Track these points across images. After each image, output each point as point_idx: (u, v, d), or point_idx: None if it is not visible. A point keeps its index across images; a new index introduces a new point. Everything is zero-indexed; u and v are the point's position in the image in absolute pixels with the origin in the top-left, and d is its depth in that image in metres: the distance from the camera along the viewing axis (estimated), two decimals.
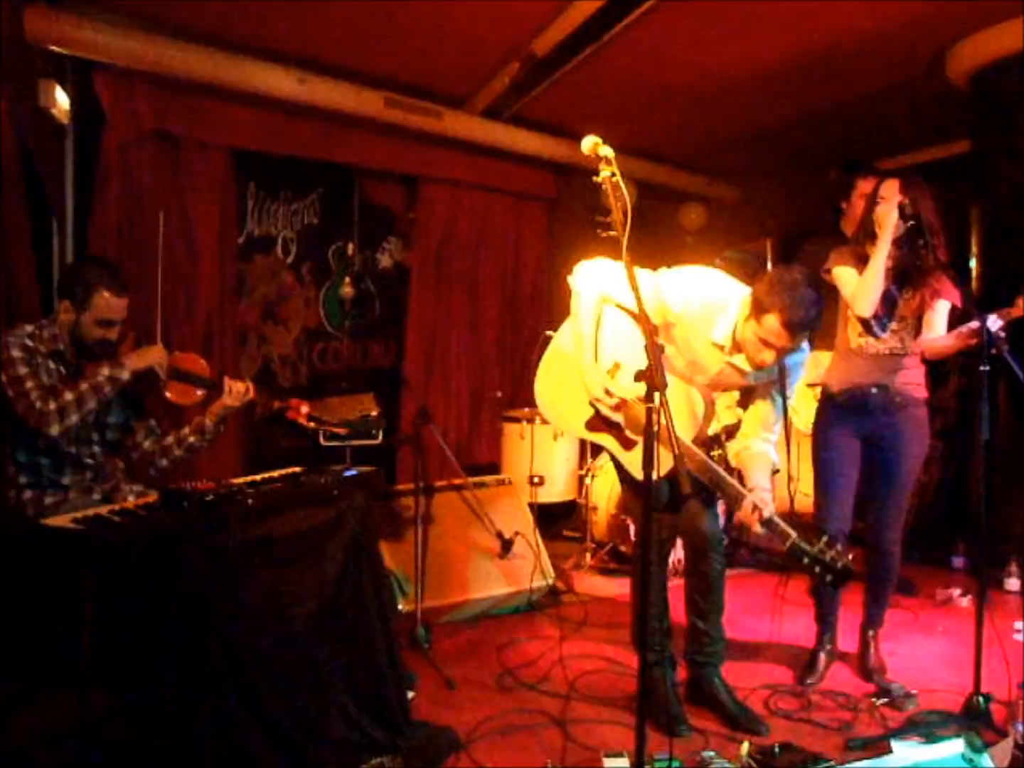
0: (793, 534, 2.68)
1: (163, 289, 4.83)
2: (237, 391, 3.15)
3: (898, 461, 3.34)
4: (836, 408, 3.39)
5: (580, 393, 2.98)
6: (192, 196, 5.07)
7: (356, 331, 6.09)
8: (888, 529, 3.37)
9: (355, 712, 2.57)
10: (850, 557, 2.61)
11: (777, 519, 2.73)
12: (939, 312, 3.28)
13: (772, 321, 2.66)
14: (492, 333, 6.70)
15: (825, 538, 2.67)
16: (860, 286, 3.18)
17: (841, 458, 3.37)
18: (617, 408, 2.90)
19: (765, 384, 2.99)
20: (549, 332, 3.31)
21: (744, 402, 3.10)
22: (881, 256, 3.12)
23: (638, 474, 2.94)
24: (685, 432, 2.82)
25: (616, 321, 2.97)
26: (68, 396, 2.80)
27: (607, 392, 2.89)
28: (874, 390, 3.30)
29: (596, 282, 2.94)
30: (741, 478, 2.95)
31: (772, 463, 3.00)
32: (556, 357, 3.19)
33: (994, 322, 2.97)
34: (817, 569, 2.62)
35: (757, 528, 2.73)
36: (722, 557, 3.09)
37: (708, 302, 2.85)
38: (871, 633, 3.49)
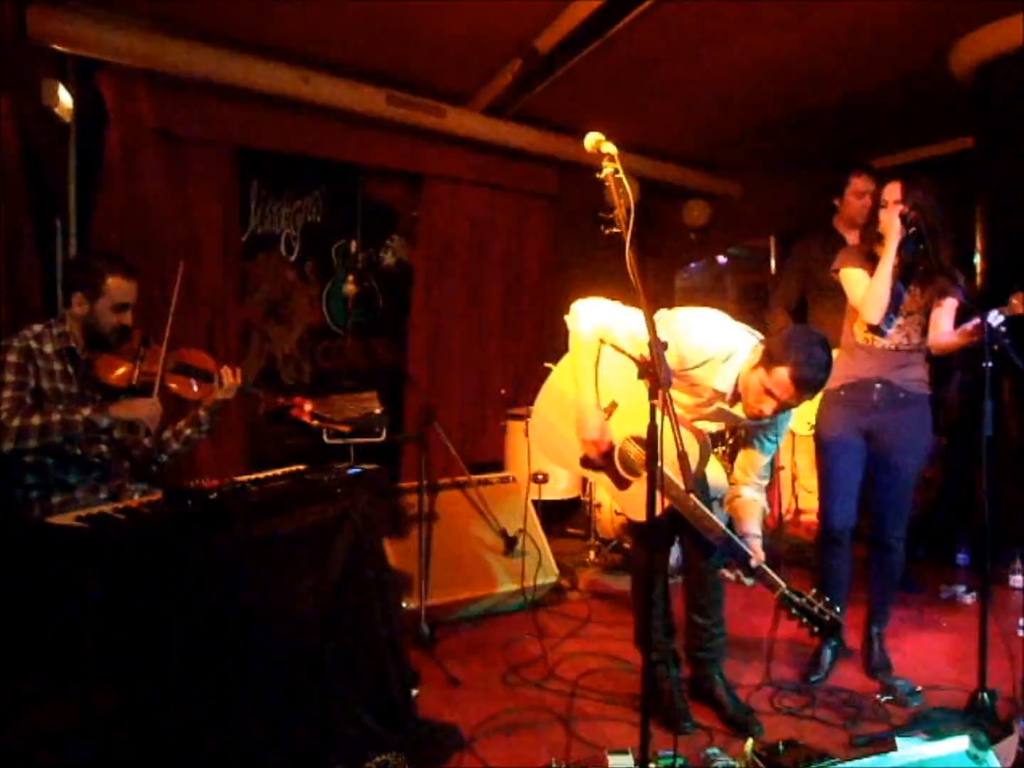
0: (782, 584, 2.69)
1: (166, 289, 4.89)
2: (228, 382, 3.19)
3: (901, 457, 3.34)
4: (839, 404, 3.40)
5: (575, 430, 3.02)
6: (195, 194, 5.07)
7: (359, 329, 6.08)
8: (892, 525, 3.38)
9: (359, 710, 2.57)
10: (837, 610, 2.61)
11: (766, 568, 2.73)
12: (947, 308, 3.29)
13: (783, 374, 2.66)
14: (495, 330, 6.69)
15: (814, 590, 2.69)
16: (868, 295, 3.20)
17: (845, 455, 3.38)
18: (603, 454, 2.95)
19: (754, 428, 3.01)
20: (548, 364, 3.31)
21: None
22: (887, 265, 3.15)
23: (632, 514, 3.00)
24: (636, 517, 2.92)
25: (613, 361, 2.99)
26: (35, 420, 2.76)
27: (599, 440, 2.93)
28: (878, 385, 3.31)
29: (593, 323, 2.95)
30: (731, 524, 3.00)
31: (763, 510, 3.04)
32: (553, 393, 3.21)
33: (995, 317, 2.97)
34: (804, 620, 2.64)
35: (745, 579, 2.74)
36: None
37: (715, 353, 2.82)
38: (876, 630, 3.49)
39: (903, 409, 3.33)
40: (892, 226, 3.14)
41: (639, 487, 2.88)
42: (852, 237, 4.15)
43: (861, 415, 3.35)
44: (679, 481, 2.61)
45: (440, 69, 5.24)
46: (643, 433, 2.44)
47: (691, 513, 2.77)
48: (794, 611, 2.64)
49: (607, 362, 3.00)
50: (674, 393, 2.81)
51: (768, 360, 2.71)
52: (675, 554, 4.77)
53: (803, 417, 4.47)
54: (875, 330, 3.29)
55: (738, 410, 2.89)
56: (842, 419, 3.39)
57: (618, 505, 2.99)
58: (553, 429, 3.18)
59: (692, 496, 2.72)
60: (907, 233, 3.10)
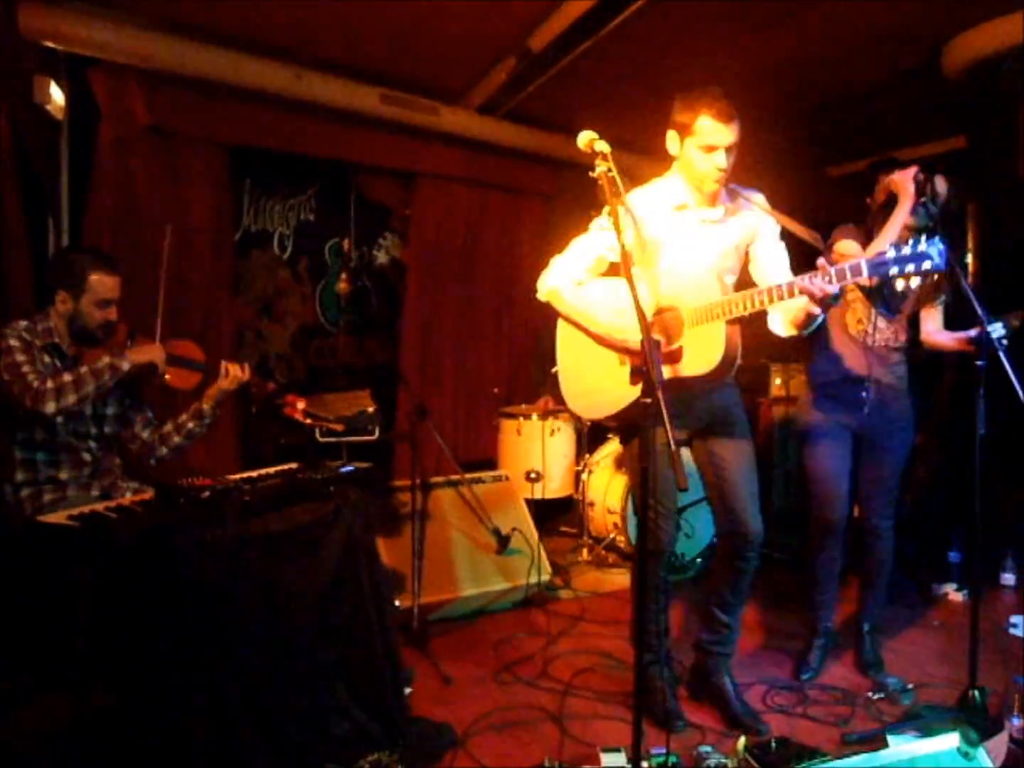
0: (863, 257, 2.52)
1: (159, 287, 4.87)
2: (234, 374, 3.19)
3: (889, 450, 3.40)
4: (828, 399, 3.42)
5: (608, 373, 2.90)
6: (187, 192, 5.05)
7: (352, 328, 6.08)
8: (880, 515, 3.42)
9: (352, 708, 2.57)
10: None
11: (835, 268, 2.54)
12: (940, 307, 3.35)
13: (705, 121, 2.75)
14: (489, 329, 6.70)
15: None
16: (872, 249, 3.05)
17: (834, 447, 3.40)
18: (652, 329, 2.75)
19: (752, 242, 2.98)
20: (555, 369, 3.24)
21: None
22: (897, 223, 3.08)
23: (693, 368, 2.76)
24: (705, 368, 2.72)
25: (598, 292, 2.98)
26: (67, 377, 2.82)
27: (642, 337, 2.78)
28: (868, 384, 3.32)
29: (560, 273, 2.99)
30: None
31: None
32: (570, 358, 3.11)
33: (997, 330, 2.97)
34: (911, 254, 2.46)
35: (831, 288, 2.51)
36: (759, 556, 3.01)
37: (647, 188, 2.89)
38: (867, 627, 3.50)
39: (890, 405, 3.37)
40: (906, 188, 3.10)
41: (692, 339, 2.74)
42: None
43: (850, 412, 3.37)
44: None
45: (434, 67, 5.24)
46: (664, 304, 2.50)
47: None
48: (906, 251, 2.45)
49: (595, 296, 2.99)
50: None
51: (683, 127, 2.80)
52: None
53: None
54: (877, 306, 3.26)
55: (709, 213, 2.89)
56: (830, 413, 3.41)
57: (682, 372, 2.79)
58: (584, 383, 3.03)
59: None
60: (919, 200, 3.08)
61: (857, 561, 3.53)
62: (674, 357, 2.79)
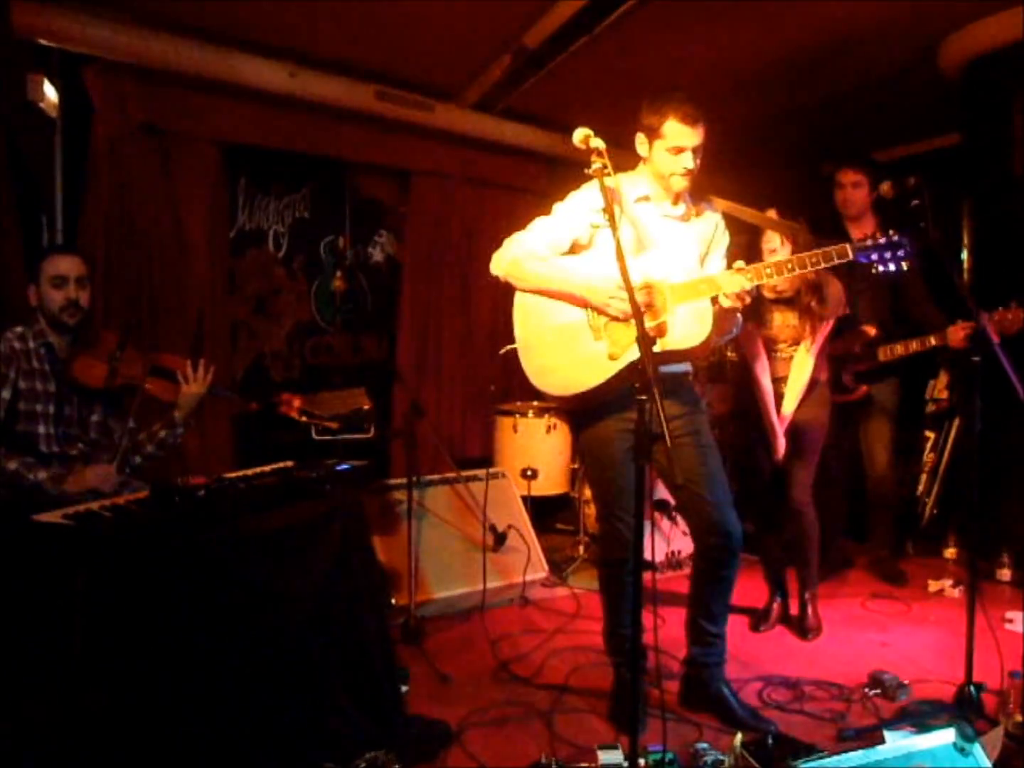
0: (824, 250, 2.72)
1: (153, 285, 4.86)
2: (196, 377, 3.17)
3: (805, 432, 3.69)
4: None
5: (578, 347, 2.87)
6: (182, 190, 5.03)
7: (348, 325, 6.07)
8: (796, 491, 3.71)
9: (349, 706, 2.57)
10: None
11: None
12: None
13: (673, 125, 2.76)
14: (484, 326, 6.68)
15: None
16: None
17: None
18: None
19: (713, 255, 3.05)
20: (508, 348, 3.21)
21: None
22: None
23: (679, 342, 2.78)
24: (692, 342, 2.76)
25: (565, 265, 2.96)
26: (11, 465, 2.85)
27: (619, 288, 2.66)
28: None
29: (525, 247, 3.00)
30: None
31: None
32: (535, 339, 3.04)
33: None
34: (876, 255, 2.68)
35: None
36: (739, 560, 3.00)
37: (608, 180, 2.73)
38: (807, 595, 3.83)
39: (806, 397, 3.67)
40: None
41: (678, 314, 2.75)
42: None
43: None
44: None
45: (429, 65, 5.23)
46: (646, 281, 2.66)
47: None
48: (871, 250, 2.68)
49: (563, 268, 2.95)
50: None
51: (651, 130, 2.82)
52: (670, 547, 4.82)
53: None
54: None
55: (673, 210, 2.95)
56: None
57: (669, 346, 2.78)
58: (550, 359, 2.96)
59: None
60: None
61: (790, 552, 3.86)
62: (658, 332, 2.77)
